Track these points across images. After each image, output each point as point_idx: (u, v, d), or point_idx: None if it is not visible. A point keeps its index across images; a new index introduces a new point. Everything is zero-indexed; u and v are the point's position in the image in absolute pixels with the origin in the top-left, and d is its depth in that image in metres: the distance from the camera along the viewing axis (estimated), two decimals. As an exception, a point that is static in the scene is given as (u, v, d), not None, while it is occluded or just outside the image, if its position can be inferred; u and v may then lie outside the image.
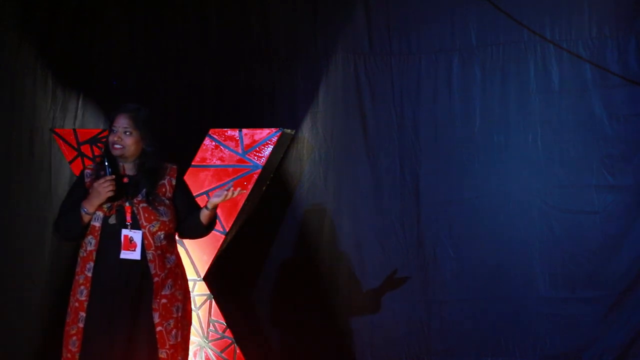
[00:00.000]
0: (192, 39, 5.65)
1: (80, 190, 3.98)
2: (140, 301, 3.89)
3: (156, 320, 3.88)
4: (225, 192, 3.92)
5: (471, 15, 5.30)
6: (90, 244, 3.92)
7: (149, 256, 3.90)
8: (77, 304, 3.91)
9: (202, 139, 5.17)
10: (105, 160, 3.93)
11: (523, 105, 5.22)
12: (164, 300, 3.91)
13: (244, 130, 5.17)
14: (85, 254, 3.94)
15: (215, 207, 3.98)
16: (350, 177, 5.45)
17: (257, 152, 5.13)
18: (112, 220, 3.91)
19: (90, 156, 5.25)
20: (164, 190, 3.98)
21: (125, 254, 3.88)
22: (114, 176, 3.88)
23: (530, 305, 5.16)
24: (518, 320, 5.18)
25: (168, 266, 3.95)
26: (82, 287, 3.91)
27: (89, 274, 3.90)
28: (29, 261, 5.52)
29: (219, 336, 5.13)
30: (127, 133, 3.95)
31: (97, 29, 5.66)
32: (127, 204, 3.92)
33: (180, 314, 3.96)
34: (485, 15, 5.27)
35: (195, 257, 5.15)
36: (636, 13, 5.06)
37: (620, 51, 5.08)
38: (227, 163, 5.13)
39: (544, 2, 5.19)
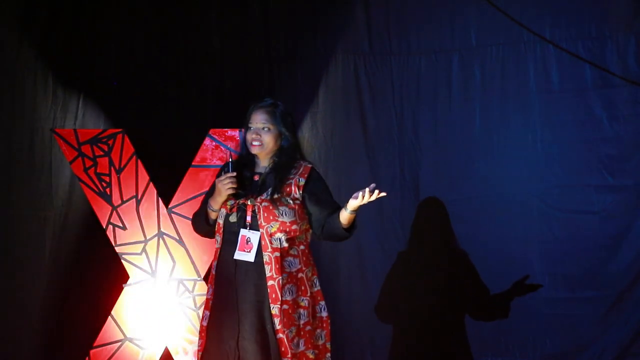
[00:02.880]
0: (192, 38, 5.65)
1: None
2: (258, 305, 3.75)
3: (277, 326, 3.72)
4: (361, 193, 3.67)
5: (471, 15, 5.30)
6: (217, 241, 3.88)
7: (265, 258, 3.74)
8: (205, 302, 3.91)
9: (202, 139, 5.17)
10: (230, 156, 3.84)
11: (523, 105, 5.23)
12: (285, 306, 3.74)
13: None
14: (215, 251, 3.89)
15: (355, 210, 3.72)
16: (350, 177, 5.45)
17: (257, 152, 5.13)
18: (233, 218, 3.81)
19: (91, 156, 5.25)
20: (289, 189, 3.81)
21: (239, 255, 3.77)
22: (234, 173, 3.79)
23: (530, 305, 5.16)
24: (518, 320, 5.18)
25: (288, 270, 3.77)
26: (210, 285, 3.90)
27: (214, 272, 3.87)
28: (29, 261, 5.51)
29: (219, 336, 5.13)
30: (266, 129, 3.86)
31: (97, 29, 5.66)
32: (249, 202, 3.79)
33: (303, 322, 3.79)
34: (485, 16, 5.27)
35: (195, 257, 5.15)
36: (636, 13, 5.06)
37: (620, 51, 5.08)
38: (227, 163, 5.13)
39: (544, 2, 5.20)
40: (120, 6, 5.68)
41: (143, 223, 5.21)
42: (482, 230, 5.25)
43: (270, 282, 3.73)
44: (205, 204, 3.95)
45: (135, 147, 5.26)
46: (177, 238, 5.17)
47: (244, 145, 3.94)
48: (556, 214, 5.16)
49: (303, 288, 3.81)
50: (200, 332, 3.92)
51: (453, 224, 5.30)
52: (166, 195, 5.20)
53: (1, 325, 5.44)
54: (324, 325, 3.90)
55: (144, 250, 5.21)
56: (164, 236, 5.19)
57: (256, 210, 3.77)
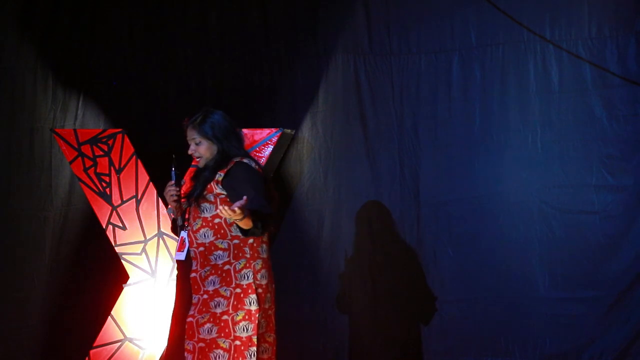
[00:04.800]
0: (192, 38, 5.65)
1: None
2: (185, 298, 3.97)
3: (190, 312, 3.91)
4: (226, 211, 3.76)
5: (471, 15, 5.30)
6: None
7: (192, 253, 3.97)
8: None
9: (202, 139, 5.17)
10: (172, 166, 4.05)
11: (523, 105, 5.22)
12: (205, 296, 3.91)
13: (244, 130, 5.15)
14: None
15: (238, 219, 3.80)
16: (350, 177, 5.45)
17: (257, 152, 5.13)
18: (179, 222, 4.07)
19: (91, 156, 5.26)
20: (210, 187, 3.98)
21: (177, 255, 4.04)
22: (172, 182, 4.04)
23: (530, 305, 5.16)
24: (518, 320, 5.18)
25: (213, 263, 3.92)
26: None
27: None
28: (29, 261, 5.52)
29: (219, 336, 5.13)
30: (199, 143, 4.07)
31: (97, 29, 5.66)
32: (184, 206, 4.06)
33: (220, 311, 3.89)
34: (485, 15, 5.27)
35: (195, 257, 5.15)
36: (636, 13, 5.06)
37: (620, 51, 5.07)
38: (227, 163, 5.12)
39: (544, 2, 5.19)
40: (120, 6, 5.68)
41: (143, 223, 5.21)
42: (482, 230, 5.24)
43: (193, 275, 3.95)
44: None
45: (135, 147, 5.26)
46: (177, 238, 5.17)
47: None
48: (556, 214, 5.16)
49: (228, 279, 3.93)
50: None
51: (453, 224, 5.30)
52: (166, 195, 5.19)
53: (1, 325, 5.44)
54: (252, 318, 3.94)
55: (143, 250, 5.21)
56: (164, 236, 5.19)
57: (189, 212, 4.05)
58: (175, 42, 5.66)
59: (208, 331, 3.89)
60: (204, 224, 3.96)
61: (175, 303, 4.05)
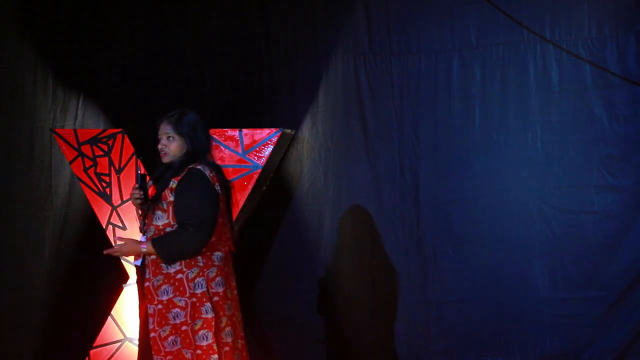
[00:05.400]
0: (192, 38, 5.65)
1: None
2: (141, 307, 3.93)
3: (150, 325, 3.87)
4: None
5: (471, 15, 5.30)
6: None
7: (146, 261, 3.92)
8: None
9: (202, 139, 5.17)
10: (138, 168, 4.02)
11: (523, 105, 5.22)
12: (159, 306, 3.87)
13: (244, 130, 5.17)
14: None
15: (137, 253, 3.93)
16: (350, 177, 5.46)
17: (257, 152, 5.14)
18: (142, 224, 4.03)
19: (91, 156, 5.26)
20: (165, 194, 3.94)
21: (136, 261, 3.99)
22: (137, 185, 4.00)
23: (530, 305, 5.16)
24: (518, 320, 5.18)
25: (165, 271, 3.88)
26: None
27: None
28: (29, 261, 5.52)
29: (219, 336, 5.13)
30: (170, 138, 4.01)
31: (97, 28, 5.67)
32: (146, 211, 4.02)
33: (179, 321, 3.87)
34: (485, 16, 5.27)
35: (195, 257, 5.15)
36: (636, 13, 5.06)
37: (620, 51, 5.07)
38: (227, 163, 5.13)
39: (544, 2, 5.19)
40: (120, 6, 5.68)
41: (143, 223, 5.21)
42: (482, 230, 5.24)
43: (147, 284, 3.91)
44: None
45: (135, 147, 5.27)
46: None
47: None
48: (556, 214, 5.16)
49: (182, 289, 3.89)
50: None
51: (453, 224, 5.30)
52: (166, 195, 5.19)
53: (1, 325, 5.45)
54: (210, 326, 3.92)
55: (144, 250, 5.21)
56: (164, 236, 5.19)
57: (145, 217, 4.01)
58: (175, 42, 5.66)
59: (172, 343, 3.87)
60: (156, 231, 3.92)
61: (140, 312, 3.99)
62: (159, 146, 4.01)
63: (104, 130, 5.32)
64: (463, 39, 5.32)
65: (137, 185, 4.00)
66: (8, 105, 5.57)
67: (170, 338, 3.86)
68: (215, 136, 5.16)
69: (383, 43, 5.44)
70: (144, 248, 3.88)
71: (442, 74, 5.35)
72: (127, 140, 5.25)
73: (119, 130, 5.28)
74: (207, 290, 3.92)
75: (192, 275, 3.90)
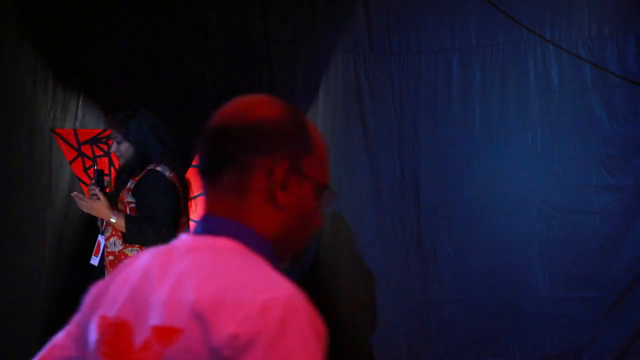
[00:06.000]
0: (192, 39, 5.65)
1: None
2: None
3: None
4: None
5: (471, 15, 5.30)
6: None
7: (105, 262, 3.91)
8: None
9: (202, 139, 5.17)
10: (95, 165, 4.01)
11: (523, 106, 5.22)
12: None
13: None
14: None
15: (106, 218, 3.89)
16: (351, 177, 5.45)
17: (257, 152, 5.13)
18: (100, 224, 4.04)
19: (91, 156, 5.25)
20: (122, 195, 3.94)
21: (93, 260, 4.00)
22: (93, 181, 4.01)
23: (530, 305, 5.16)
24: (518, 320, 5.18)
25: None
26: None
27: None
28: (29, 261, 5.52)
29: (219, 336, 5.13)
30: (120, 141, 4.03)
31: (97, 28, 5.66)
32: None
33: None
34: (485, 15, 5.27)
35: (195, 257, 5.14)
36: (636, 13, 5.06)
37: (620, 51, 5.07)
38: (227, 163, 5.12)
39: (544, 2, 5.19)
40: (120, 6, 5.68)
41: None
42: (482, 230, 5.24)
43: None
44: None
45: (135, 147, 5.26)
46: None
47: None
48: (556, 214, 5.16)
49: None
50: None
51: (453, 224, 5.30)
52: (166, 195, 5.20)
53: (1, 325, 5.44)
54: None
55: (144, 250, 5.21)
56: (164, 236, 5.19)
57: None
58: (175, 42, 5.66)
59: None
60: (113, 232, 3.91)
61: None
62: (112, 150, 4.04)
63: (104, 130, 5.32)
64: (463, 39, 5.32)
65: (93, 181, 3.98)
66: (8, 105, 5.57)
67: None
68: (215, 136, 5.16)
69: (383, 43, 5.43)
70: (114, 219, 3.83)
71: (442, 74, 5.35)
72: (127, 140, 5.25)
73: (119, 130, 5.28)
74: None
75: None
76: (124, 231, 3.87)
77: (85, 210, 3.90)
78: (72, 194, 3.97)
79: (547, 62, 5.19)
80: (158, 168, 3.92)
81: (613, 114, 5.09)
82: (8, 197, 5.53)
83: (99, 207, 3.86)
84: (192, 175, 5.14)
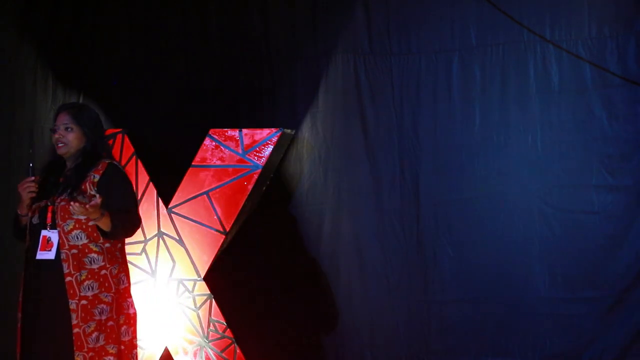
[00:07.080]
0: (192, 38, 5.65)
1: None
2: (57, 301, 3.87)
3: (74, 321, 3.85)
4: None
5: (471, 15, 5.30)
6: (26, 244, 4.00)
7: (63, 255, 3.87)
8: (19, 304, 4.03)
9: (202, 139, 5.17)
10: (30, 161, 3.98)
11: (523, 106, 5.23)
12: (83, 302, 3.86)
13: (244, 130, 5.17)
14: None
15: (95, 218, 3.82)
16: (350, 177, 5.45)
17: (257, 152, 5.14)
18: (35, 220, 3.96)
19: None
20: (84, 187, 3.91)
21: (41, 255, 3.91)
22: (32, 177, 3.93)
23: (530, 305, 5.16)
24: (518, 320, 5.18)
25: (88, 267, 3.88)
26: (21, 286, 4.02)
27: (23, 273, 4.01)
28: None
29: (219, 336, 5.13)
30: (69, 129, 3.95)
31: (97, 28, 5.66)
32: (49, 204, 3.94)
33: (105, 317, 3.89)
34: (485, 15, 5.27)
35: (195, 257, 5.15)
36: (636, 13, 5.06)
37: (619, 51, 5.08)
38: (227, 163, 5.13)
39: (544, 2, 5.20)
40: (120, 7, 5.68)
41: (143, 223, 5.20)
42: (482, 230, 5.24)
43: (68, 279, 3.86)
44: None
45: (135, 147, 5.26)
46: (177, 238, 5.17)
47: (54, 149, 4.03)
48: (556, 214, 5.16)
49: (107, 285, 3.91)
50: (17, 335, 4.08)
51: (453, 224, 5.30)
52: (166, 195, 5.20)
53: (0, 325, 5.44)
54: (131, 321, 4.01)
55: (143, 250, 5.21)
56: (164, 236, 5.19)
57: (55, 211, 3.91)
58: (175, 42, 5.66)
59: (95, 340, 3.87)
60: (76, 225, 3.88)
61: (48, 308, 3.90)
62: (56, 136, 3.95)
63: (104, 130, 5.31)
64: (463, 39, 5.32)
65: (32, 178, 3.93)
66: (8, 105, 5.56)
67: (94, 334, 3.87)
68: (215, 136, 5.16)
69: (383, 43, 5.43)
70: (99, 217, 3.82)
71: (442, 74, 5.35)
72: (127, 140, 5.25)
73: (119, 130, 5.28)
74: (128, 286, 4.02)
75: (115, 272, 3.96)
76: (107, 229, 3.86)
77: (84, 215, 3.83)
78: (77, 205, 3.84)
79: (547, 62, 5.19)
80: (115, 163, 3.98)
81: (613, 114, 5.09)
82: (8, 197, 5.52)
83: (92, 212, 3.80)
84: (192, 175, 5.14)
